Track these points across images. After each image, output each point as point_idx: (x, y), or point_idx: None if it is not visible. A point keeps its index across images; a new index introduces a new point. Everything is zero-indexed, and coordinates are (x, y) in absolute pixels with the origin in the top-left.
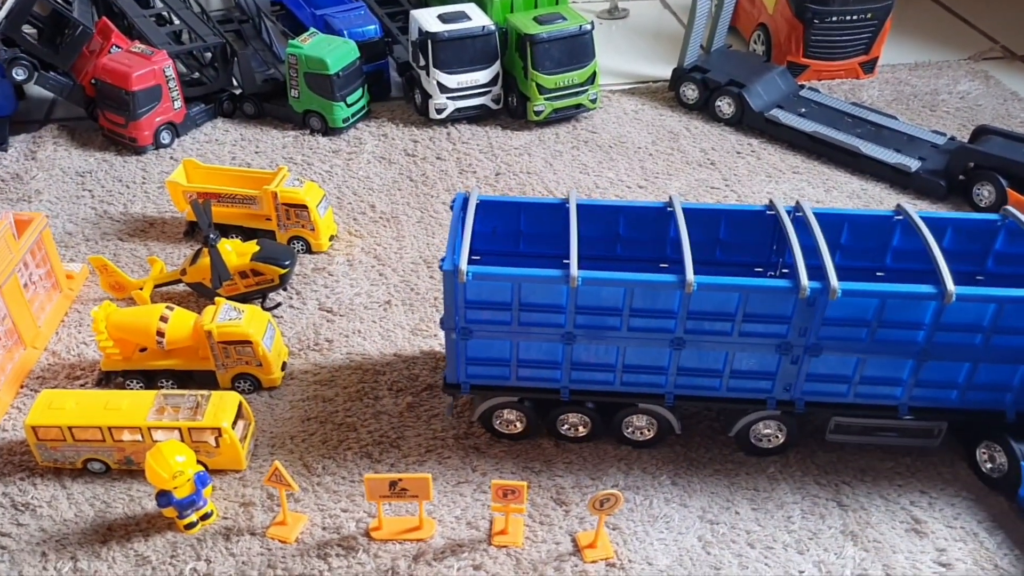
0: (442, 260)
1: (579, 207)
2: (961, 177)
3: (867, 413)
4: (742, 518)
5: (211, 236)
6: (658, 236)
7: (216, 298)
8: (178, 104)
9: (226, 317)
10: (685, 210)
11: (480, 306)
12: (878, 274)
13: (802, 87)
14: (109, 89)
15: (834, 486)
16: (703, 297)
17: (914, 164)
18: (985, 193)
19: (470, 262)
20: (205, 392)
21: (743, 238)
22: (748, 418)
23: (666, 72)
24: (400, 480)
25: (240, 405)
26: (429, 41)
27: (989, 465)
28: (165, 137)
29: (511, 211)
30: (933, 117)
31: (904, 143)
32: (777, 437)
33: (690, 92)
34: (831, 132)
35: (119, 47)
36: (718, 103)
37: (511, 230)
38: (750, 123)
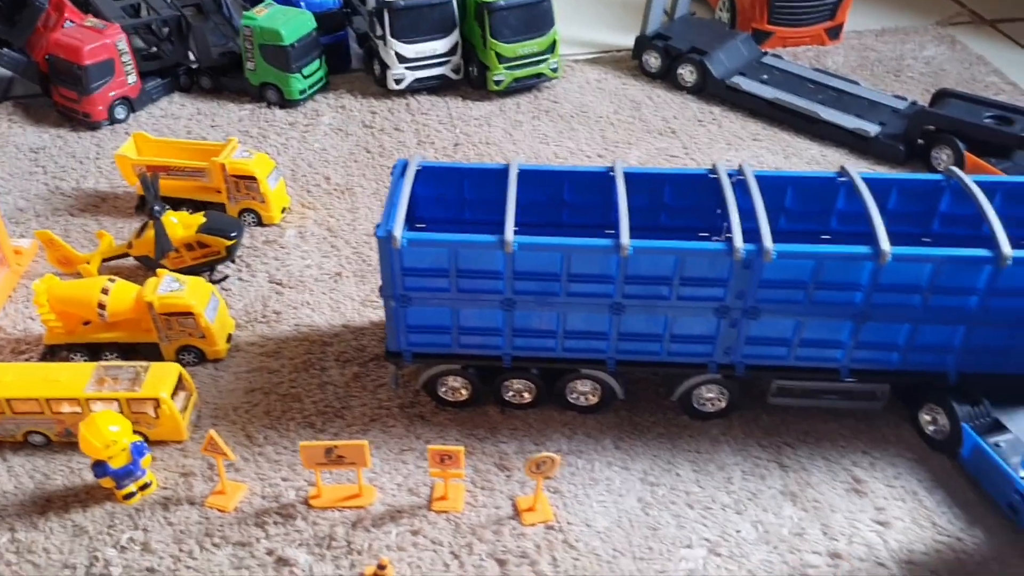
0: (377, 227)
1: (523, 173)
2: (920, 141)
3: (808, 376)
4: (683, 480)
5: (156, 208)
6: (603, 201)
7: (159, 270)
8: (132, 79)
9: (167, 288)
10: (628, 175)
11: (418, 273)
12: (824, 237)
13: (765, 54)
14: (62, 64)
15: (776, 448)
16: (640, 261)
17: (873, 129)
18: (944, 157)
19: (415, 229)
20: (144, 363)
21: (687, 202)
22: (690, 382)
23: (629, 41)
24: (336, 447)
25: (180, 376)
26: (385, 10)
27: (932, 427)
28: (120, 112)
29: (454, 177)
30: (897, 83)
31: (865, 108)
32: (719, 401)
33: (653, 60)
34: (791, 98)
35: (72, 21)
36: (680, 71)
37: (455, 197)
38: (712, 91)
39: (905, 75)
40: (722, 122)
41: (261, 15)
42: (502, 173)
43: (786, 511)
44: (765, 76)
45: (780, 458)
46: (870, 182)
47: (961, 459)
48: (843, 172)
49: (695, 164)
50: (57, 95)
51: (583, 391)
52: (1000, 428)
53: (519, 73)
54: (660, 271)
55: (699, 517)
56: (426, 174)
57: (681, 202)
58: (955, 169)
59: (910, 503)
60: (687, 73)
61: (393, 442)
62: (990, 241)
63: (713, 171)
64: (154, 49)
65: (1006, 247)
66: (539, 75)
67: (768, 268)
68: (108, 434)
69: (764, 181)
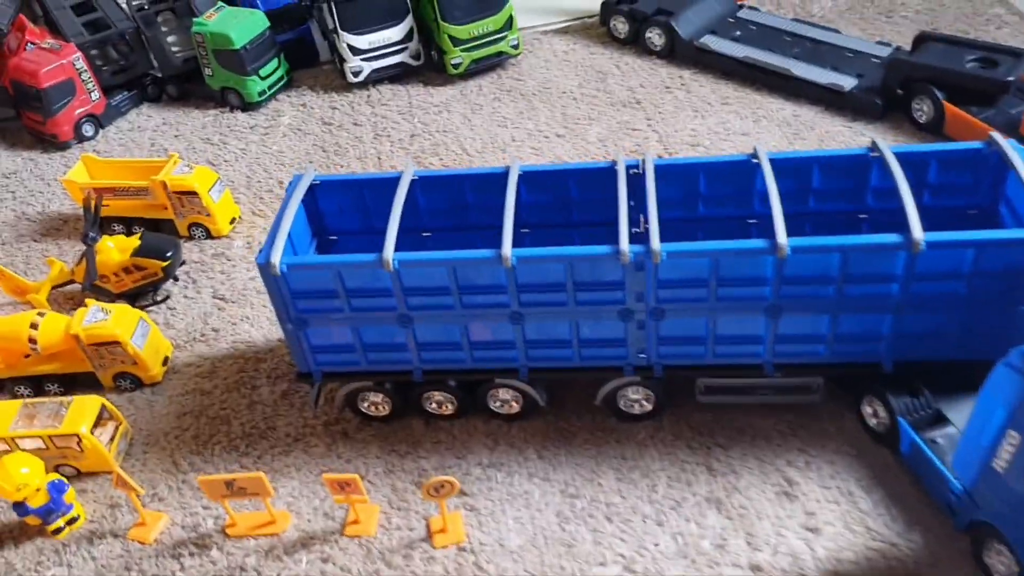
0: (259, 252)
1: (421, 179)
2: (899, 92)
3: (733, 373)
4: (604, 490)
5: (90, 235)
6: (504, 202)
7: (87, 299)
8: (96, 95)
9: (93, 319)
10: (525, 174)
11: (307, 296)
12: (751, 221)
13: (741, 7)
14: (24, 88)
15: (706, 449)
16: (527, 270)
17: (848, 82)
18: (924, 108)
19: (328, 242)
20: (67, 398)
21: (594, 196)
22: (609, 386)
23: (598, 5)
24: (235, 480)
25: (103, 407)
26: (331, 1)
27: (874, 420)
28: (88, 130)
29: (354, 189)
30: (888, 25)
31: (844, 59)
32: (646, 403)
33: (620, 26)
34: (763, 55)
35: (33, 43)
36: (648, 35)
37: (360, 208)
38: (682, 53)
39: (898, 15)
40: (691, 87)
41: (211, 19)
42: (397, 181)
43: (710, 520)
44: (738, 33)
45: (709, 461)
46: (788, 162)
47: (903, 455)
48: (755, 155)
49: (658, 136)
50: (26, 118)
51: (504, 399)
52: (943, 421)
53: (477, 54)
54: (551, 278)
55: (617, 531)
56: (327, 188)
57: (586, 195)
58: (878, 141)
59: (844, 505)
60: (655, 37)
61: (313, 463)
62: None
63: (615, 163)
64: (123, 62)
65: (917, 231)
66: (500, 54)
67: (663, 268)
68: (18, 477)
69: (671, 170)
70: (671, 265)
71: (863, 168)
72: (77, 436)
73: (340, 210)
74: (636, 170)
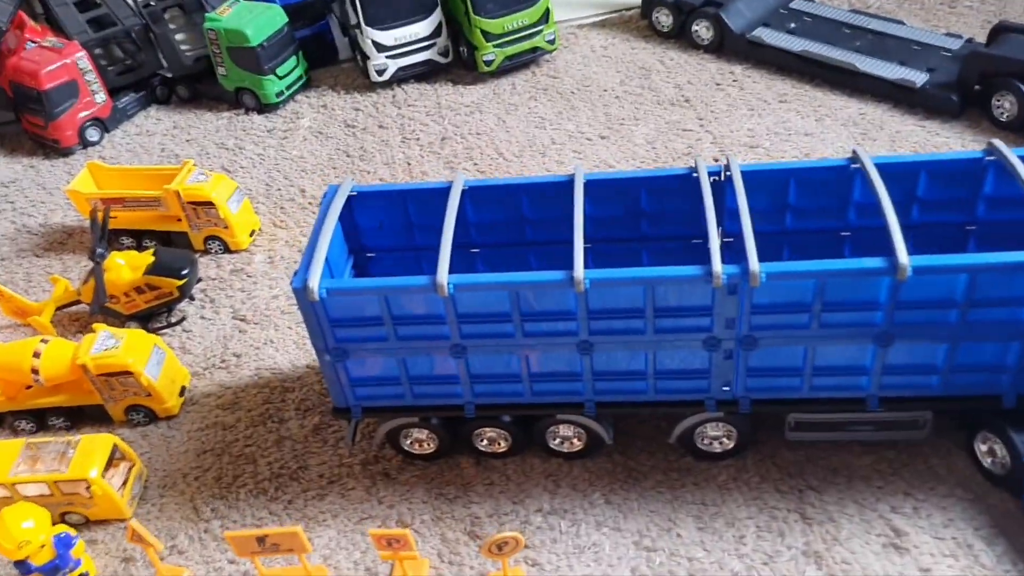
0: (295, 275)
1: (471, 189)
2: (977, 87)
3: (829, 408)
4: (684, 542)
5: (98, 251)
6: (564, 214)
7: (95, 323)
8: (101, 97)
9: (102, 347)
10: (590, 183)
11: (348, 323)
12: (843, 234)
13: None
14: (24, 90)
15: (798, 493)
16: (600, 294)
17: (920, 78)
18: (1006, 104)
19: (365, 259)
20: (75, 438)
21: (666, 206)
22: (687, 422)
23: None
24: (267, 535)
25: (114, 448)
26: None
27: (990, 459)
28: (92, 134)
29: (395, 200)
30: (952, 16)
31: (911, 53)
32: (727, 440)
33: (664, 18)
34: (823, 49)
35: (33, 42)
36: (695, 28)
37: (401, 222)
38: (732, 47)
39: (962, 5)
40: (744, 83)
41: (225, 15)
42: (447, 193)
43: None
44: (793, 25)
45: (802, 507)
46: (892, 167)
47: None
48: (855, 158)
49: (712, 137)
50: (26, 122)
51: (566, 436)
52: None
53: (511, 50)
54: (628, 303)
55: None
56: (363, 200)
57: (658, 207)
58: (997, 143)
59: (963, 560)
60: (703, 29)
61: (352, 508)
62: None
63: (695, 170)
64: (129, 61)
65: None
66: (535, 49)
67: (759, 292)
68: (20, 533)
69: (758, 177)
70: (770, 288)
71: (977, 175)
72: (86, 481)
73: (380, 224)
74: (716, 177)
